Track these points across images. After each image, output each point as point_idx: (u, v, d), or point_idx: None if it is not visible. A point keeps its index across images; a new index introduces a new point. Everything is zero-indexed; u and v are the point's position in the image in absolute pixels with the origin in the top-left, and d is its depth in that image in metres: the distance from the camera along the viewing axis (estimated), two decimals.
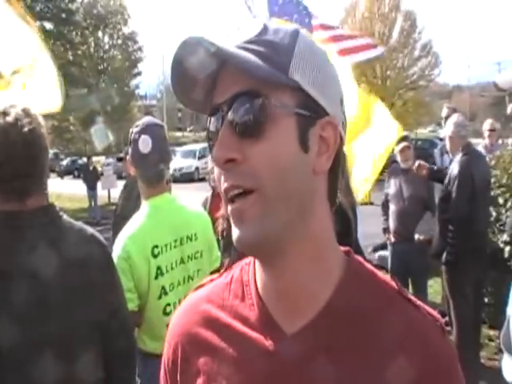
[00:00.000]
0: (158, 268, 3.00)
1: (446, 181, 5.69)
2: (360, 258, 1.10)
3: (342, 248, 1.10)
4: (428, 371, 0.97)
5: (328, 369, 0.97)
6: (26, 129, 1.96)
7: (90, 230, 2.21)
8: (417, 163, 6.35)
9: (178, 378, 1.13)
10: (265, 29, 1.00)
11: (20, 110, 2.01)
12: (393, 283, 1.08)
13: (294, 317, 1.01)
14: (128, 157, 3.19)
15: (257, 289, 1.07)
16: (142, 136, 3.04)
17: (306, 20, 7.75)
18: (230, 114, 0.95)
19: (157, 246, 3.01)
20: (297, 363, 0.98)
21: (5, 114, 1.98)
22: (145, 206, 3.15)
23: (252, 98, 0.94)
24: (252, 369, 1.00)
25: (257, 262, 1.07)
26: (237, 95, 0.95)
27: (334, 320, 0.99)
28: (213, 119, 1.00)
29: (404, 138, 6.72)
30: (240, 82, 0.95)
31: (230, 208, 0.97)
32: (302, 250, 0.99)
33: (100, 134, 37.21)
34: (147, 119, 3.24)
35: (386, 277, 1.09)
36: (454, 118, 6.08)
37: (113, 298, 2.20)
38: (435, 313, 1.06)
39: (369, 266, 1.10)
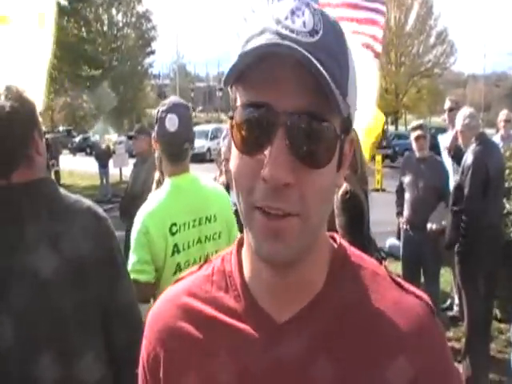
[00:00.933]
0: (175, 245, 3.04)
1: (460, 170, 5.62)
2: (345, 243, 1.09)
3: (328, 233, 1.08)
4: (420, 353, 0.97)
5: (322, 355, 0.96)
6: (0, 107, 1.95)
7: (87, 202, 2.15)
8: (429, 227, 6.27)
9: (161, 376, 1.08)
10: (325, 25, 0.89)
11: (0, 89, 2.01)
12: (381, 267, 1.08)
13: (285, 306, 0.99)
14: (153, 134, 3.21)
15: (242, 279, 1.04)
16: (169, 115, 3.06)
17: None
18: (290, 131, 0.85)
19: (175, 224, 3.05)
20: (290, 351, 0.96)
21: None
22: (167, 183, 3.18)
23: (320, 123, 0.87)
24: (245, 359, 0.98)
25: (248, 254, 1.04)
26: (302, 112, 0.85)
27: (326, 308, 0.99)
28: (256, 113, 0.88)
29: (419, 127, 6.56)
30: (305, 92, 0.85)
31: (262, 221, 0.89)
32: (311, 254, 0.98)
33: (101, 131, 37.47)
34: (174, 99, 3.28)
35: (373, 261, 1.09)
36: (463, 110, 6.02)
37: (111, 271, 2.13)
38: (424, 295, 1.05)
39: (355, 250, 1.09)
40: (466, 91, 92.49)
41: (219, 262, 1.11)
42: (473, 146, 5.54)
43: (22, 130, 2.03)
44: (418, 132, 6.50)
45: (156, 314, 1.13)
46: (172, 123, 3.05)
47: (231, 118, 0.92)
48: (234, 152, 0.93)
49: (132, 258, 2.99)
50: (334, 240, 1.09)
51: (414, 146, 6.63)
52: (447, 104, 7.79)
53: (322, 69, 0.82)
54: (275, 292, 1.00)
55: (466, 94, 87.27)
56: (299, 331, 0.97)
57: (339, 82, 0.87)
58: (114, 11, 49.66)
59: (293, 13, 0.88)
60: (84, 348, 2.02)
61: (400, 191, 6.85)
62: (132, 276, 2.85)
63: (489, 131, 8.42)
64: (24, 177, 2.00)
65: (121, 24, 51.05)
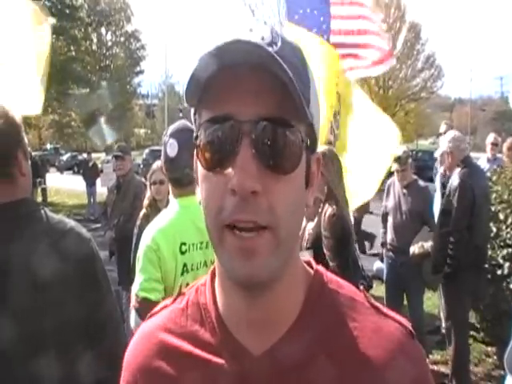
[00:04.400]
0: (184, 265, 3.05)
1: (446, 193, 5.67)
2: (322, 269, 1.07)
3: (304, 259, 1.08)
4: (400, 377, 0.95)
5: None
6: None
7: (70, 223, 2.15)
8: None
9: None
10: (283, 41, 0.90)
11: None
12: (359, 292, 1.06)
13: (261, 337, 0.97)
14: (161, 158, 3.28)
15: (217, 311, 1.02)
16: (170, 140, 3.11)
17: (325, 36, 7.70)
18: (255, 139, 0.85)
19: (184, 244, 3.06)
20: (267, 383, 0.95)
21: None
22: (174, 203, 3.21)
23: (284, 128, 0.87)
24: None
25: (220, 284, 1.02)
26: (266, 120, 0.86)
27: (303, 337, 0.97)
28: (219, 126, 0.88)
29: (396, 160, 6.38)
30: (267, 98, 0.86)
31: (233, 241, 0.88)
32: (284, 277, 0.96)
33: (101, 133, 37.29)
34: (180, 123, 3.29)
35: (350, 286, 1.07)
36: (452, 133, 6.07)
37: (94, 292, 2.11)
38: (403, 319, 1.04)
39: (332, 276, 1.07)
40: (452, 115, 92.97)
41: (193, 293, 1.09)
42: (459, 169, 5.63)
43: (4, 149, 2.02)
44: (396, 166, 6.46)
45: (132, 352, 1.11)
46: (172, 148, 3.09)
47: (195, 138, 0.92)
48: (202, 174, 0.93)
49: (141, 276, 2.97)
50: (311, 266, 1.07)
51: (396, 176, 6.63)
52: (443, 128, 7.83)
53: (285, 66, 0.81)
54: (250, 323, 0.97)
55: (453, 117, 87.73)
56: (276, 363, 0.95)
57: (301, 88, 0.85)
58: (103, 30, 49.76)
59: (251, 30, 0.90)
60: (65, 345, 2.00)
61: (385, 217, 6.86)
62: (142, 294, 2.88)
63: (475, 155, 8.46)
64: (4, 197, 2.00)
65: (110, 43, 51.17)
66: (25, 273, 1.92)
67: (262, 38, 0.88)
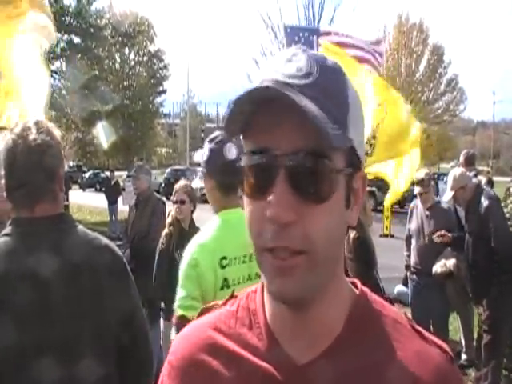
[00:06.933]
0: (225, 280, 2.99)
1: (475, 217, 5.69)
2: (367, 289, 1.10)
3: (349, 279, 1.11)
4: None
5: None
6: (31, 140, 2.03)
7: (105, 240, 2.25)
8: (437, 234, 6.22)
9: None
10: (321, 67, 0.94)
11: (30, 122, 2.10)
12: (401, 315, 1.09)
13: (306, 348, 1.00)
14: (203, 169, 3.16)
15: (265, 318, 1.06)
16: (228, 144, 3.01)
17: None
18: (290, 171, 0.90)
19: (225, 258, 3.01)
20: None
21: (15, 126, 2.09)
22: (216, 219, 3.16)
23: (317, 160, 0.90)
24: None
25: (268, 294, 1.05)
26: (300, 152, 0.90)
27: (345, 351, 0.99)
28: (257, 158, 0.94)
29: (419, 183, 6.50)
30: (302, 132, 0.89)
31: (270, 261, 0.93)
32: (327, 294, 1.00)
33: (105, 132, 37.45)
34: (220, 133, 3.19)
35: (393, 308, 1.10)
36: (457, 170, 6.12)
37: (125, 305, 2.20)
38: (444, 344, 1.06)
39: (376, 297, 1.10)
40: (475, 138, 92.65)
41: (244, 299, 1.14)
42: (484, 193, 5.69)
43: (51, 165, 2.09)
44: (418, 189, 6.53)
45: (180, 342, 1.16)
46: (231, 151, 2.99)
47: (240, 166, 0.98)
48: (245, 199, 0.99)
49: (180, 292, 2.95)
50: (356, 286, 1.10)
51: (418, 198, 6.66)
52: (462, 159, 7.92)
53: (308, 106, 0.86)
54: (295, 333, 1.01)
55: (475, 141, 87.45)
56: (318, 374, 0.97)
57: (336, 117, 0.90)
58: (126, 50, 50.23)
59: (289, 60, 0.95)
60: (94, 352, 2.06)
61: (408, 239, 6.87)
62: (180, 312, 2.86)
63: (498, 179, 8.44)
64: (46, 210, 2.08)
65: (133, 62, 51.62)
66: (66, 282, 2.02)
67: (299, 70, 0.92)
